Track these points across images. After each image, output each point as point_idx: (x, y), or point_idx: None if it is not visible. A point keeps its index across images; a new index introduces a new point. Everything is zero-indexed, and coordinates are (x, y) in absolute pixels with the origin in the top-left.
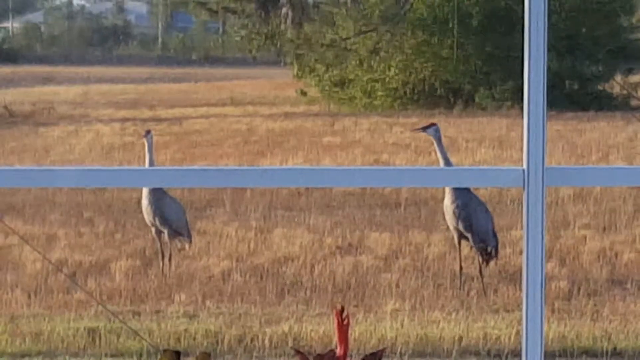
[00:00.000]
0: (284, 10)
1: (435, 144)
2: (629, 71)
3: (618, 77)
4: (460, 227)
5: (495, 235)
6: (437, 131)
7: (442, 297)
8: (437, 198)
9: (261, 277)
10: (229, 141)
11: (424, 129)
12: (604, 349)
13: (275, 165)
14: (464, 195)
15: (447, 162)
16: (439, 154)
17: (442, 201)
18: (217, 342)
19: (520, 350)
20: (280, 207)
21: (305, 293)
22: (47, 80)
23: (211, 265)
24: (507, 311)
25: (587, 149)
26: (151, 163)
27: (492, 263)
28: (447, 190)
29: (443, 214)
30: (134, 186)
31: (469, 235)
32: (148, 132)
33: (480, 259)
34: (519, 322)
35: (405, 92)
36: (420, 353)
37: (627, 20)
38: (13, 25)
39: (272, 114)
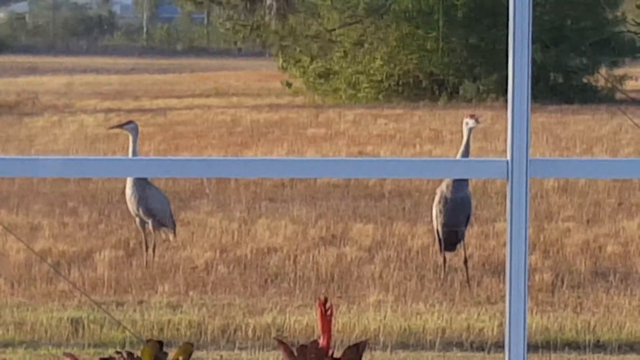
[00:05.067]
0: (268, 1)
1: (466, 135)
2: (614, 64)
3: (603, 70)
4: (461, 219)
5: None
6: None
7: (426, 289)
8: (422, 190)
9: (245, 268)
10: (213, 132)
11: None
12: (587, 341)
13: (260, 156)
14: (464, 187)
15: (465, 154)
16: (463, 144)
17: (427, 193)
18: (200, 332)
19: (504, 342)
20: (264, 198)
21: (289, 284)
22: (31, 70)
23: (195, 256)
24: (491, 303)
25: (572, 142)
26: (134, 154)
27: (475, 255)
28: (448, 181)
29: (429, 206)
30: (117, 176)
31: (460, 229)
32: (130, 122)
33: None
34: (503, 314)
35: (389, 84)
36: (403, 344)
37: (611, 12)
38: None
39: (256, 105)
